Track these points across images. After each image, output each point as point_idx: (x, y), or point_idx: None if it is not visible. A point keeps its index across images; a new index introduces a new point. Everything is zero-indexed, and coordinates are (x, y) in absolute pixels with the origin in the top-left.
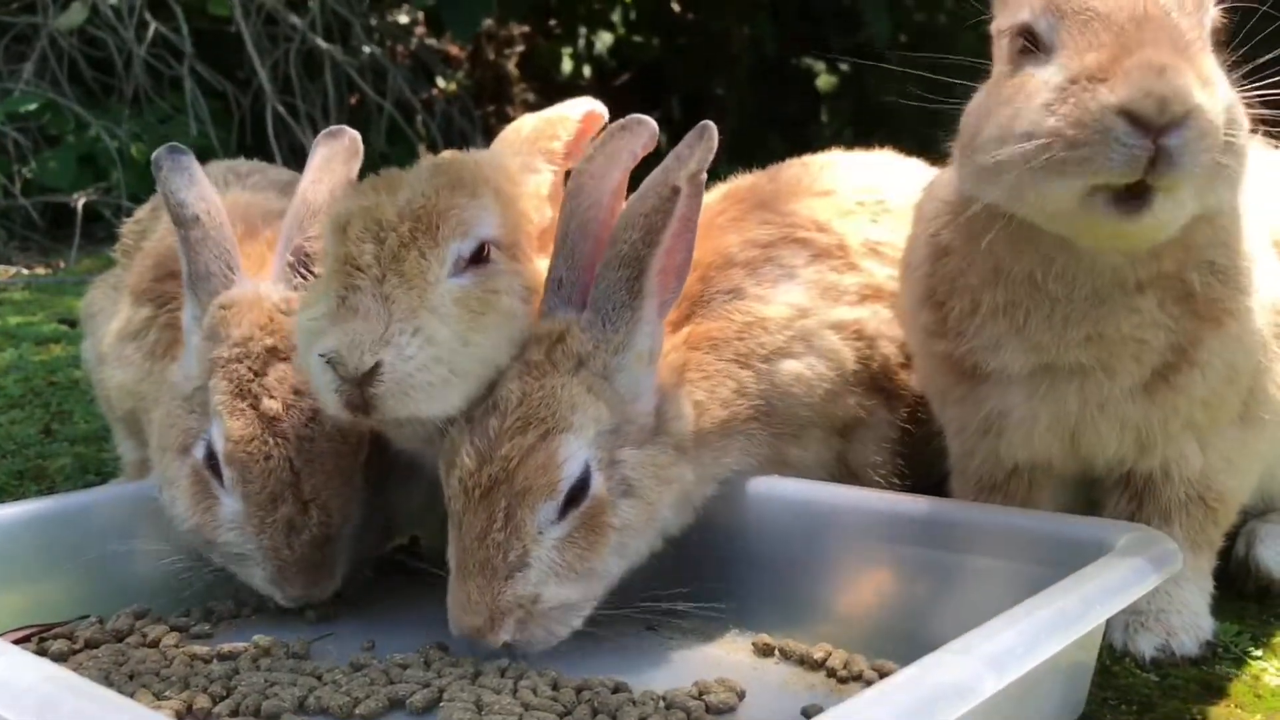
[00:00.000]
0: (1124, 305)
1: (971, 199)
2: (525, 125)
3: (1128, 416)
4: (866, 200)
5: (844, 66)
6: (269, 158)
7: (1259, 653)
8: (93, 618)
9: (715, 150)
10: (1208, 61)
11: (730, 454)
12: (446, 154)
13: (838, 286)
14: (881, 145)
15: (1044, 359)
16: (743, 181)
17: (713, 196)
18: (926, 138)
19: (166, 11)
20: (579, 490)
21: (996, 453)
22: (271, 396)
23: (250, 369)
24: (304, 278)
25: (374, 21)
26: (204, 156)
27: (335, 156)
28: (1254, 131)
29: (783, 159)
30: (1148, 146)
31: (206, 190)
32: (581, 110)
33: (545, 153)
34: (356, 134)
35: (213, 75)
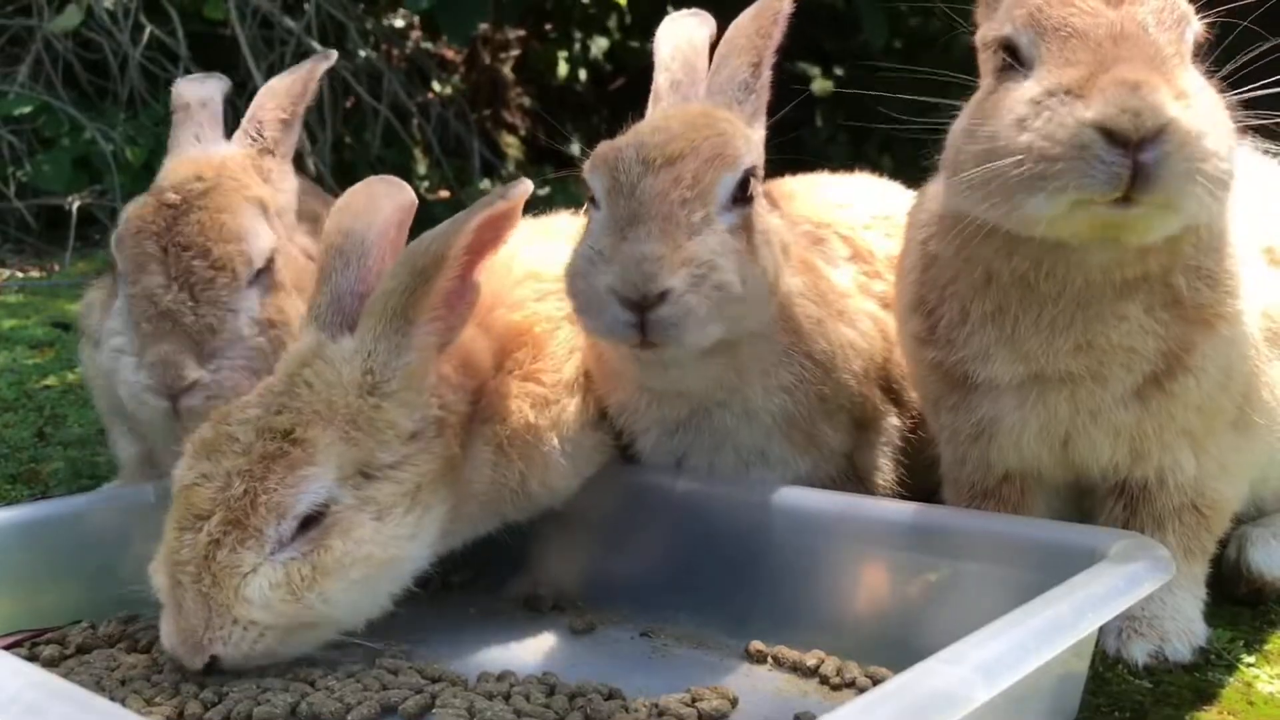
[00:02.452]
0: (1112, 312)
1: (960, 214)
2: None
3: (1121, 424)
4: (878, 214)
5: (839, 71)
6: None
7: (1252, 659)
8: (85, 623)
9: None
10: (1186, 76)
11: None
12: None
13: (868, 289)
14: (876, 151)
15: (1033, 368)
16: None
17: None
18: (920, 144)
19: (162, 14)
20: (745, 184)
21: (987, 459)
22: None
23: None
24: (254, 140)
25: (369, 25)
26: None
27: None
28: (1243, 139)
29: (777, 163)
30: (1126, 163)
31: (213, 90)
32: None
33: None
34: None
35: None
